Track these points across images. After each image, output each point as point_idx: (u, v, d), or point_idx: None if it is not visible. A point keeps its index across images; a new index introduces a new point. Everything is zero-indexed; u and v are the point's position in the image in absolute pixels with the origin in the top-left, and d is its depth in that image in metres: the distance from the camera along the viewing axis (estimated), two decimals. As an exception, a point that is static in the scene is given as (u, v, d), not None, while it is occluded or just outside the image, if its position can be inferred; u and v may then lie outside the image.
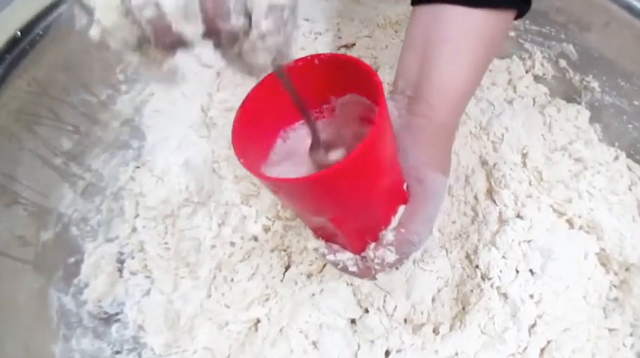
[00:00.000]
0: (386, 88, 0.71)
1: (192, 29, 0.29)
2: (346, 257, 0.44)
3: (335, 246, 0.44)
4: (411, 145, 0.42)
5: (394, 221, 0.42)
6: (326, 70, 0.39)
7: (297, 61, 0.39)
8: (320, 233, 0.46)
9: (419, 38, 0.44)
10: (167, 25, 0.27)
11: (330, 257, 0.44)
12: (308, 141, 0.41)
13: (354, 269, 0.44)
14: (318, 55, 0.39)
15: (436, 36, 0.42)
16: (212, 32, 0.30)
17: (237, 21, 0.30)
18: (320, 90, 0.41)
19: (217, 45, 0.31)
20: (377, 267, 0.42)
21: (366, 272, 0.45)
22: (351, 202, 0.38)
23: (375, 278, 0.47)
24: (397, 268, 0.47)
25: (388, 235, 0.41)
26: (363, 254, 0.42)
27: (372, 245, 0.42)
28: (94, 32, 0.28)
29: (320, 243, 0.45)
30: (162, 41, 0.29)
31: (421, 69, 0.43)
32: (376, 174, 0.38)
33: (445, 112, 0.43)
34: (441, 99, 0.42)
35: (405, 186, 0.42)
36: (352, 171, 0.35)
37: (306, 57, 0.39)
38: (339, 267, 0.45)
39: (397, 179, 0.42)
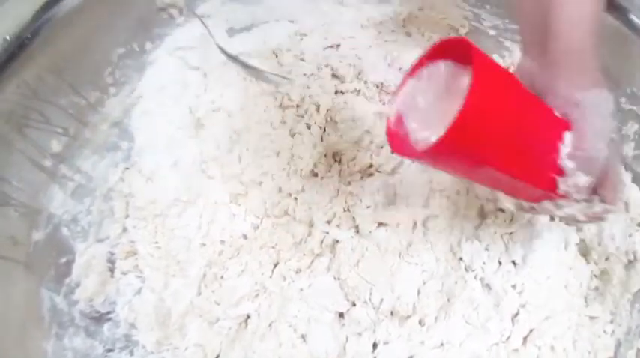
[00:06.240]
0: (374, 90, 0.72)
1: None
2: (573, 209, 0.45)
3: (561, 202, 0.45)
4: (555, 80, 0.43)
5: (564, 147, 0.42)
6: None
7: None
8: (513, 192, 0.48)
9: None
10: None
11: (559, 213, 0.46)
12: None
13: (582, 218, 0.46)
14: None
15: None
16: None
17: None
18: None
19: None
20: (576, 196, 0.43)
21: (595, 218, 0.46)
22: (501, 149, 0.39)
23: (604, 220, 0.48)
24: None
25: (568, 163, 0.42)
26: (559, 192, 0.44)
27: (560, 179, 0.43)
28: None
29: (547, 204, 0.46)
30: None
31: (545, 11, 0.43)
32: (503, 121, 0.38)
33: (577, 40, 0.43)
34: (572, 29, 0.43)
35: (557, 114, 0.43)
36: (472, 127, 0.35)
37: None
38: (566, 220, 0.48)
39: (542, 110, 0.43)
